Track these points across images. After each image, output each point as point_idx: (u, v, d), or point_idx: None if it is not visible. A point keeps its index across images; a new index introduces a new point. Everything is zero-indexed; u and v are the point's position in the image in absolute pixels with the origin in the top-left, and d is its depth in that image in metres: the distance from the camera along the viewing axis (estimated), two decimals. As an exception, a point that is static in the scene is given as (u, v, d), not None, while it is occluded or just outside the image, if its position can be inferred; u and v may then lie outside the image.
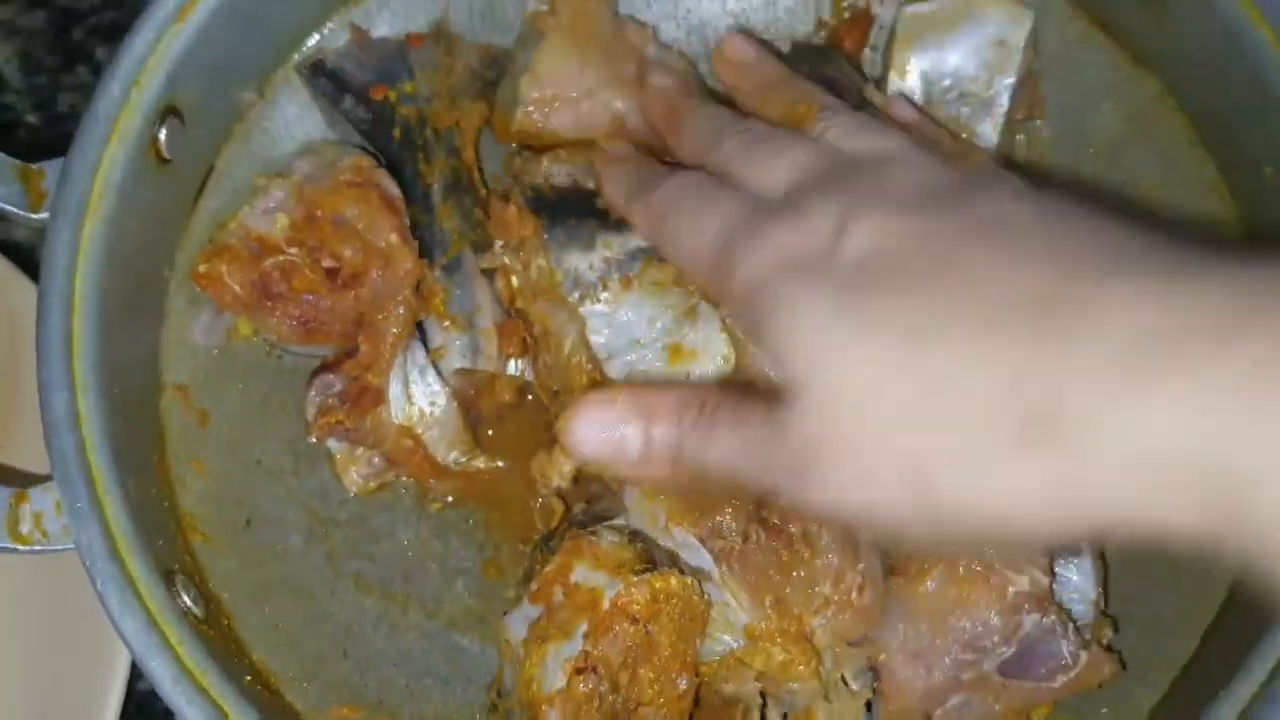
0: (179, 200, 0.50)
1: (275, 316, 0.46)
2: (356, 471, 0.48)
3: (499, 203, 0.49)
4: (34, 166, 0.46)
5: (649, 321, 0.47)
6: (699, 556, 0.45)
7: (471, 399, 0.50)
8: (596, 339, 0.46)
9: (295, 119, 0.53)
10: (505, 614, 0.45)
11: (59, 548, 0.41)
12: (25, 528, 0.42)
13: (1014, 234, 0.35)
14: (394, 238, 0.48)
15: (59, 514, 0.41)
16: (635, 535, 0.45)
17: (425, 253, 0.49)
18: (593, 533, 0.45)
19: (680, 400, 0.39)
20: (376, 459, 0.47)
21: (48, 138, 0.66)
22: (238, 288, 0.46)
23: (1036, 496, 0.31)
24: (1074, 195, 0.38)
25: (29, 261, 0.60)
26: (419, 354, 0.49)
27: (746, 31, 0.54)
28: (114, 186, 0.45)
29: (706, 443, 0.38)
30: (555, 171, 0.49)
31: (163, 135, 0.47)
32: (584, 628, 0.42)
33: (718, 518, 0.44)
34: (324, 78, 0.52)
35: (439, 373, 0.49)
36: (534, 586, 0.44)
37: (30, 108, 0.67)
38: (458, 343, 0.49)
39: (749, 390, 0.40)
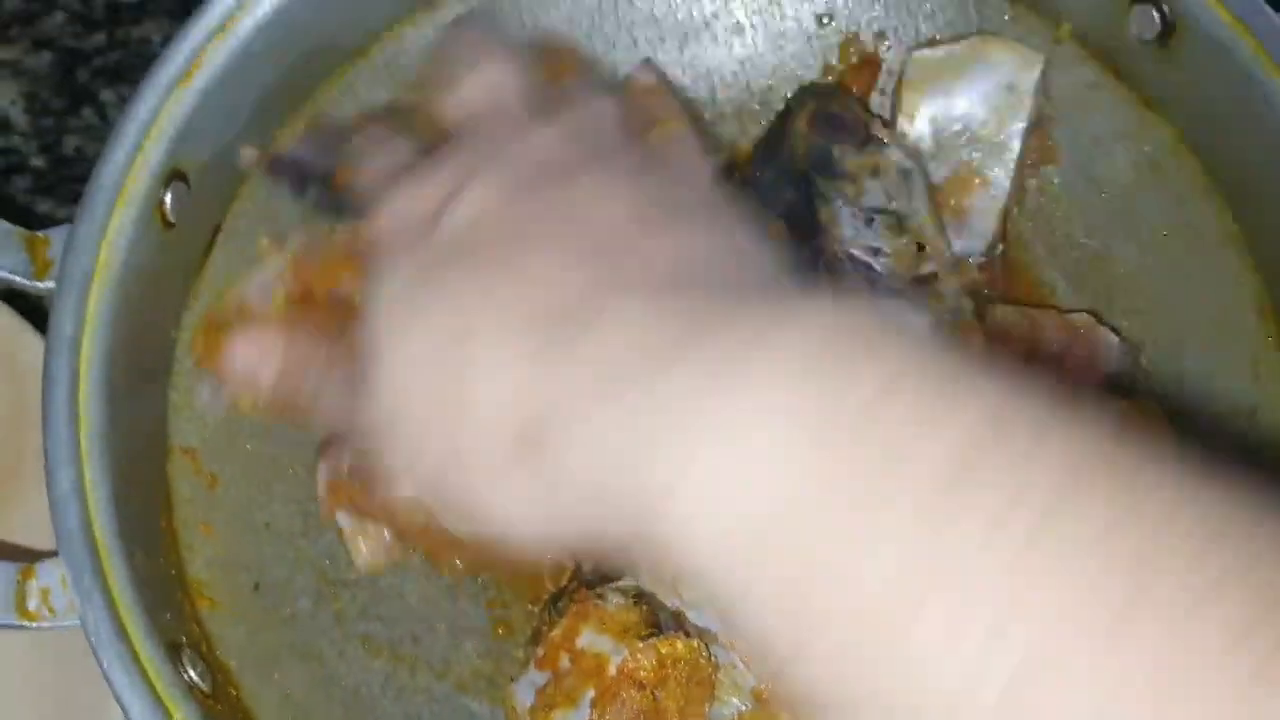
0: (186, 263, 0.50)
1: None
2: (366, 547, 0.47)
3: None
4: (39, 234, 0.46)
5: None
6: (704, 617, 0.44)
7: None
8: None
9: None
10: (512, 680, 0.45)
11: (66, 624, 0.41)
12: (33, 604, 0.42)
13: (596, 228, 0.34)
14: None
15: (65, 589, 0.41)
16: (641, 596, 0.45)
17: None
18: (599, 595, 0.45)
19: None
20: (387, 534, 0.47)
21: (53, 180, 0.66)
22: None
23: (525, 509, 0.32)
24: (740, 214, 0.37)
25: (38, 311, 0.60)
26: None
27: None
28: (119, 254, 0.45)
29: (321, 388, 0.38)
30: None
31: (168, 199, 0.47)
32: (590, 694, 0.42)
33: None
34: (283, 171, 0.49)
35: None
36: (540, 652, 0.44)
37: (36, 150, 0.67)
38: None
39: None
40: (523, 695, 0.44)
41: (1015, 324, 0.49)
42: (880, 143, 0.50)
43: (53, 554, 0.42)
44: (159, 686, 0.40)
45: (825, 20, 0.55)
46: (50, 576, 0.42)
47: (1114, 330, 0.50)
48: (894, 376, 0.27)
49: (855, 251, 0.49)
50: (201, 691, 0.43)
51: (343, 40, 0.53)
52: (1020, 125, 0.51)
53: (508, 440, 0.31)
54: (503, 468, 0.31)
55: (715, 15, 0.56)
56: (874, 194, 0.50)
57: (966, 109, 0.52)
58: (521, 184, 0.35)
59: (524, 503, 0.32)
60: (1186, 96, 0.51)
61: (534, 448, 0.31)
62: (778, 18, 0.55)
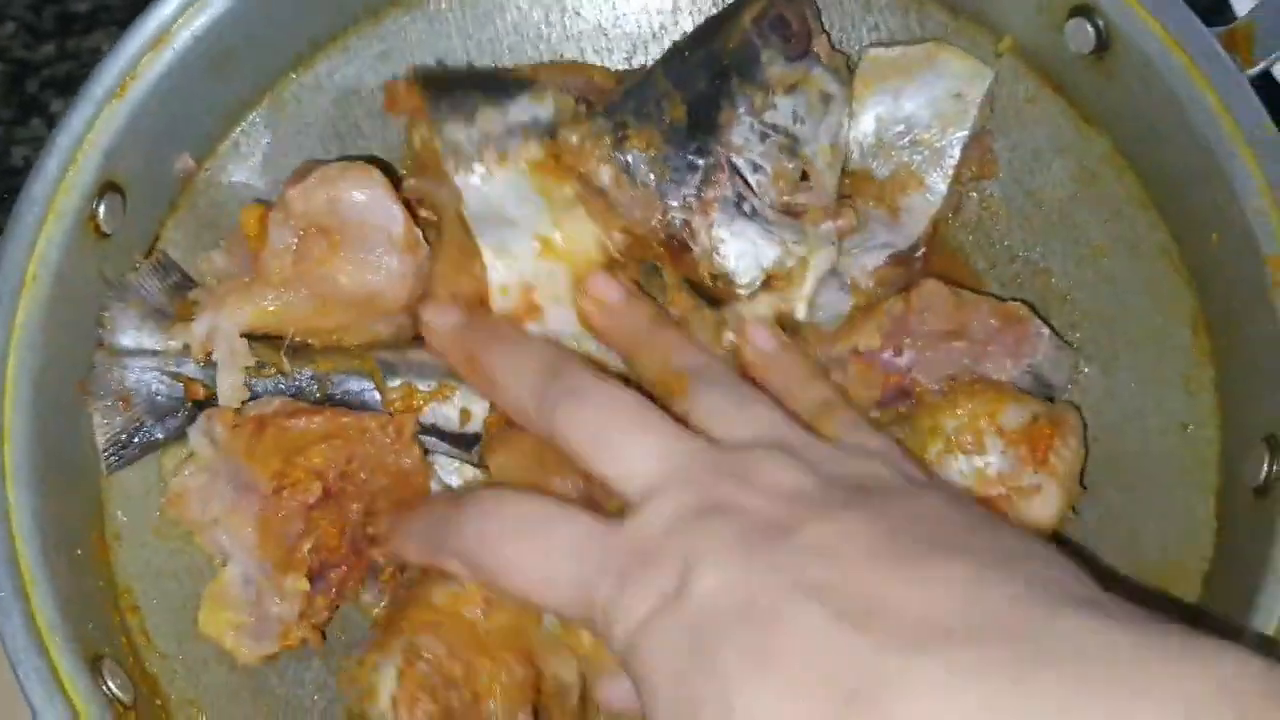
0: (120, 272, 0.50)
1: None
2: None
3: (391, 83, 0.50)
4: (-30, 248, 0.46)
5: (520, 200, 0.47)
6: None
7: None
8: (469, 211, 0.47)
9: (242, 184, 0.53)
10: None
11: (-16, 639, 0.42)
12: (-47, 616, 0.42)
13: (853, 573, 0.32)
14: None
15: (-14, 604, 0.42)
16: None
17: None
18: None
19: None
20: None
21: (1, 192, 0.66)
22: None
23: None
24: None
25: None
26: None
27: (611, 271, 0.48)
28: (50, 266, 0.46)
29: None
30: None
31: (101, 211, 0.47)
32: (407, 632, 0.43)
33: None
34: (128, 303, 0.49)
35: None
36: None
37: (-17, 161, 0.67)
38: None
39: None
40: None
41: (941, 300, 0.48)
42: (814, 60, 0.50)
43: (-26, 564, 0.42)
44: (76, 700, 0.41)
45: (769, 31, 0.55)
46: (-30, 589, 0.42)
47: (1048, 325, 0.50)
48: None
49: (737, 160, 0.48)
50: (121, 704, 0.43)
51: (283, 51, 0.53)
52: (963, 134, 0.51)
53: None
54: None
55: (663, 27, 0.56)
56: (782, 110, 0.49)
57: (912, 111, 0.52)
58: (755, 542, 0.34)
59: None
60: (1122, 110, 0.51)
61: None
62: (724, 28, 0.55)
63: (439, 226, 0.49)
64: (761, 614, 0.32)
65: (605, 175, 0.46)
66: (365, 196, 0.47)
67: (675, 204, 0.47)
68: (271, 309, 0.47)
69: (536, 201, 0.47)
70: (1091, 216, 0.52)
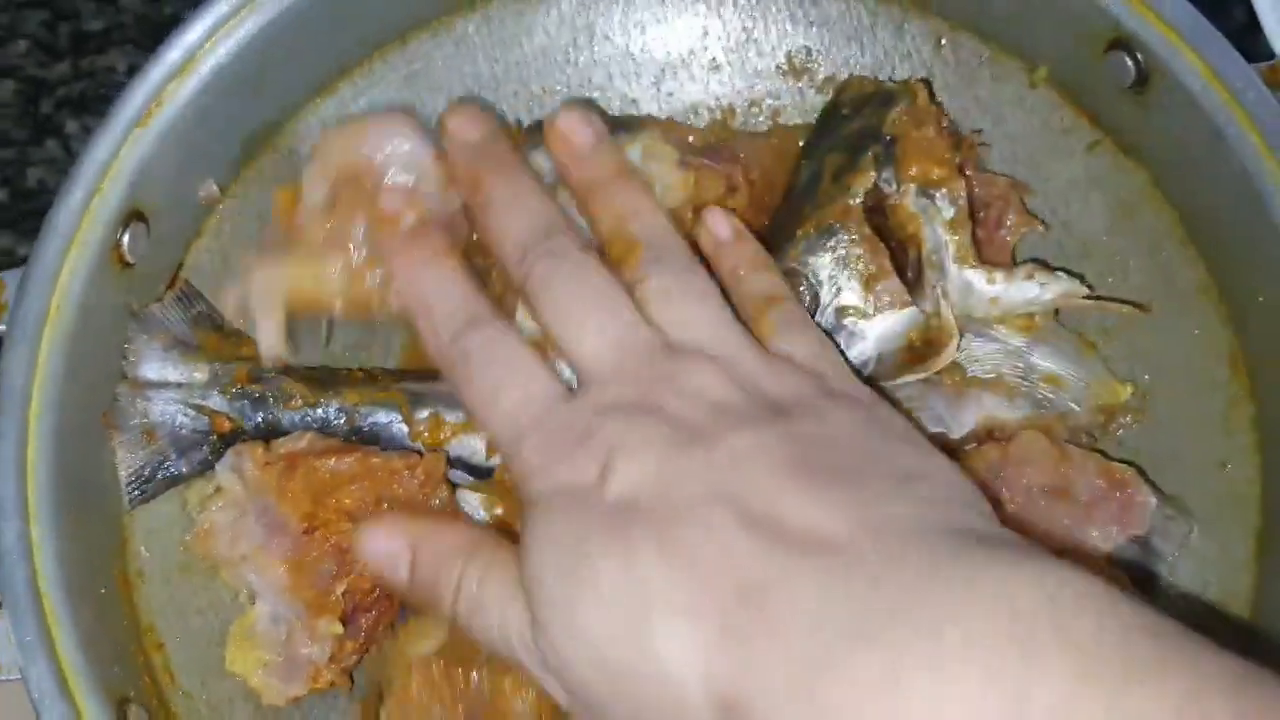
0: (144, 302, 0.49)
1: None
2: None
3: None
4: (-8, 277, 0.45)
5: None
6: None
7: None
8: None
9: (268, 212, 0.52)
10: None
11: (7, 679, 0.41)
12: (-25, 657, 0.41)
13: (758, 485, 0.36)
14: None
15: (10, 643, 0.41)
16: None
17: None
18: None
19: (452, 547, 0.41)
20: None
21: (15, 215, 0.65)
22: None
23: None
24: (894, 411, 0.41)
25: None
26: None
27: (587, 103, 0.50)
28: (73, 297, 0.45)
29: (473, 607, 0.40)
30: None
31: (126, 240, 0.47)
32: None
33: None
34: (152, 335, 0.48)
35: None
36: None
37: (-3, 182, 0.66)
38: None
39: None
40: None
41: (1043, 453, 0.46)
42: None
43: (-3, 604, 0.41)
44: (102, 747, 0.40)
45: (801, 59, 0.54)
46: (-6, 629, 0.41)
47: (1155, 489, 0.48)
48: (1080, 678, 0.28)
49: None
50: (147, 749, 0.42)
51: (309, 76, 0.52)
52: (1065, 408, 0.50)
53: (696, 714, 0.33)
54: None
55: (692, 52, 0.55)
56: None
57: (1036, 365, 0.50)
58: (679, 439, 0.37)
59: None
60: (1161, 144, 0.50)
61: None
62: (753, 55, 0.55)
63: None
64: (672, 508, 0.35)
65: None
66: (397, 138, 0.46)
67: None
68: (309, 274, 0.46)
69: None
70: (1128, 250, 0.52)
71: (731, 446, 0.37)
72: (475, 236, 0.47)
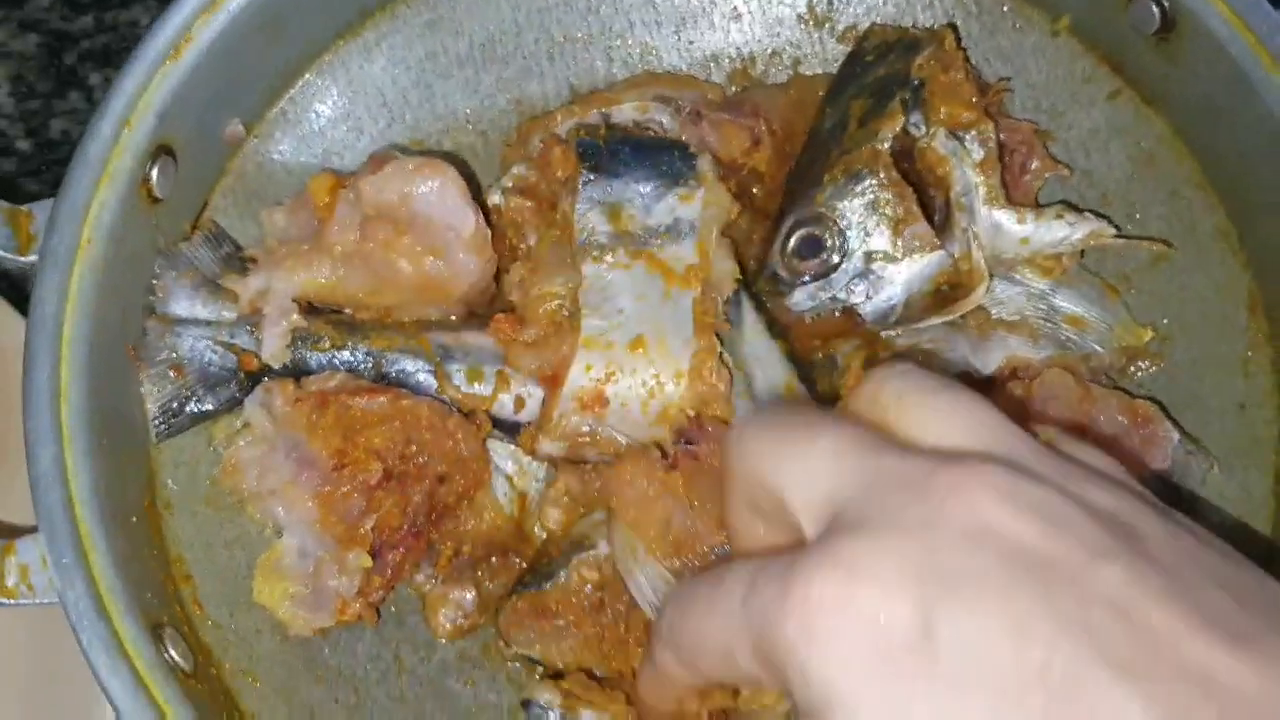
0: (171, 239, 0.49)
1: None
2: (445, 615, 0.47)
3: (550, 142, 0.49)
4: (23, 209, 0.45)
5: (635, 295, 0.46)
6: None
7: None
8: (584, 295, 0.46)
9: (291, 153, 0.52)
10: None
11: (45, 601, 0.41)
12: (11, 580, 0.41)
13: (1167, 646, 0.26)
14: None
15: (45, 568, 0.41)
16: None
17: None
18: None
19: None
20: (469, 597, 0.47)
21: (39, 165, 0.65)
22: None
23: None
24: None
25: (20, 291, 0.59)
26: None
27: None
28: (104, 229, 0.45)
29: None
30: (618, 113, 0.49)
31: (154, 175, 0.47)
32: None
33: (691, 555, 0.43)
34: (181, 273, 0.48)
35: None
36: None
37: (22, 134, 0.66)
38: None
39: None
40: None
41: (1066, 391, 0.46)
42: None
43: (32, 529, 0.41)
44: (140, 666, 0.40)
45: (822, 8, 0.55)
46: (29, 554, 0.41)
47: (1177, 425, 0.48)
48: None
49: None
50: (183, 671, 0.42)
51: (333, 17, 0.52)
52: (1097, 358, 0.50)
53: None
54: None
55: (713, 2, 0.55)
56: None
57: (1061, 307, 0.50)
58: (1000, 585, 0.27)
59: None
60: (1183, 92, 0.50)
61: None
62: (774, 4, 0.55)
63: (537, 228, 0.49)
64: (1058, 685, 0.25)
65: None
66: (438, 194, 0.46)
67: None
68: (326, 280, 0.47)
69: (652, 295, 0.46)
70: (1149, 198, 0.52)
71: (1106, 580, 0.27)
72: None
